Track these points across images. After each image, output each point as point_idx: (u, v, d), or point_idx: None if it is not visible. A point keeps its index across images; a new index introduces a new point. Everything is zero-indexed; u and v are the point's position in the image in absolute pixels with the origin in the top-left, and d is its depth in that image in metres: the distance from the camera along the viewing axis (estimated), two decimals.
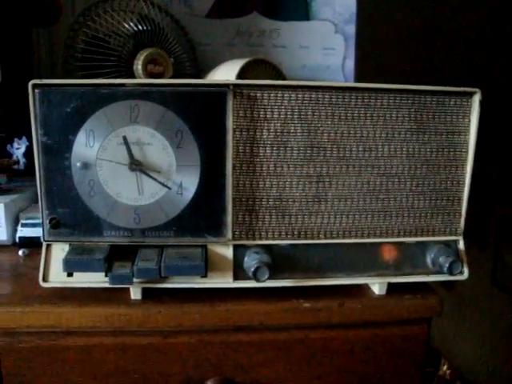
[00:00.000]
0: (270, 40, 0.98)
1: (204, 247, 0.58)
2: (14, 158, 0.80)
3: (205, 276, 0.56)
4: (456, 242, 0.62)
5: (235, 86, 0.55)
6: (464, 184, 0.61)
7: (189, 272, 0.55)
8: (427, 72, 1.38)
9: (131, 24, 0.87)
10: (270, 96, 0.56)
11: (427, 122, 0.59)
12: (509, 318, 1.68)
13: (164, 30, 0.90)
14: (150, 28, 0.88)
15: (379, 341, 0.61)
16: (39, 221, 0.72)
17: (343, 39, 1.00)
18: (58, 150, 0.55)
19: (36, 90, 0.54)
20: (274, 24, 0.98)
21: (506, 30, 1.51)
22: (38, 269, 0.58)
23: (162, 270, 0.54)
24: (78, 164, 0.55)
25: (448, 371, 1.91)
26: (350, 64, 1.00)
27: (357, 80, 1.01)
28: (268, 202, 0.57)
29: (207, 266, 0.57)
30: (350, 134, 0.58)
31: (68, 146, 0.55)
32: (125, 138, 0.55)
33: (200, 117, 0.55)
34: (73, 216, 0.56)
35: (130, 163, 0.55)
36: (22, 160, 0.80)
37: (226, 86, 0.55)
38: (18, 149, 0.81)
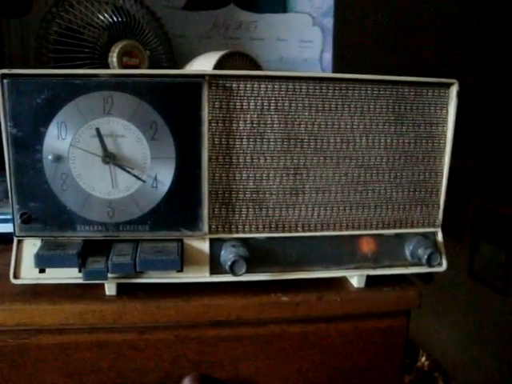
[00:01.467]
0: (247, 32, 0.97)
1: (180, 241, 0.57)
2: None
3: (181, 270, 0.55)
4: (434, 233, 0.62)
5: (211, 76, 0.54)
6: (442, 175, 0.61)
7: (164, 266, 0.54)
8: (405, 65, 1.39)
9: (106, 15, 0.85)
10: (246, 87, 0.55)
11: (405, 113, 0.59)
12: (485, 308, 1.70)
13: (139, 21, 0.88)
14: (125, 19, 0.86)
15: (358, 334, 0.61)
16: (10, 216, 0.71)
17: (321, 32, 0.99)
18: (29, 142, 0.53)
19: (5, 80, 0.52)
20: (251, 16, 0.97)
21: (486, 21, 1.52)
22: (8, 265, 0.56)
23: (137, 264, 0.53)
24: (50, 157, 0.53)
25: (426, 362, 1.92)
26: (328, 57, 1.00)
27: (335, 72, 1.00)
28: (245, 194, 0.57)
29: (183, 260, 0.55)
30: (327, 125, 0.57)
31: (39, 138, 0.53)
32: (98, 130, 0.53)
33: (175, 108, 0.54)
34: (45, 210, 0.55)
35: (103, 156, 0.54)
36: None
37: (202, 76, 0.54)
38: None
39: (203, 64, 0.82)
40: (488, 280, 1.69)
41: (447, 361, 1.85)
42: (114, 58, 0.83)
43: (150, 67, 0.86)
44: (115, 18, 0.86)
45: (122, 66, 0.84)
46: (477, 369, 1.74)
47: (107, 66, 0.84)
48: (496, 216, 1.69)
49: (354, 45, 1.32)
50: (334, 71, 1.00)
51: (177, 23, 0.95)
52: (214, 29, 0.96)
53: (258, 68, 0.85)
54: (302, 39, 0.99)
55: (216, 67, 0.79)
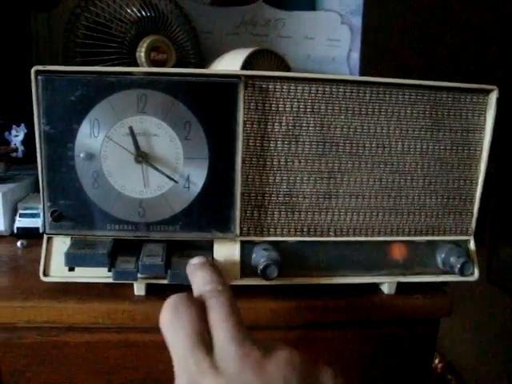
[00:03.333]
0: (275, 30, 0.96)
1: (211, 247, 0.56)
2: (12, 145, 0.78)
3: None
4: (467, 241, 0.61)
5: (247, 77, 0.53)
6: (477, 183, 0.60)
7: None
8: (434, 67, 1.37)
9: (134, 10, 0.85)
10: (282, 88, 0.54)
11: (442, 119, 0.57)
12: (503, 314, 1.68)
13: (167, 16, 0.87)
14: (153, 14, 0.86)
15: (387, 340, 0.60)
16: (38, 211, 0.71)
17: (349, 30, 0.98)
18: (61, 139, 0.53)
19: (39, 77, 0.51)
20: (279, 13, 0.96)
21: None
22: (37, 261, 0.56)
23: (167, 277, 0.53)
24: (82, 155, 0.53)
25: (439, 365, 1.91)
26: (356, 56, 0.99)
27: (362, 72, 0.99)
28: (277, 197, 0.56)
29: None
30: (363, 129, 0.56)
31: (72, 135, 0.53)
32: (131, 129, 0.53)
33: (210, 108, 0.53)
34: (75, 208, 0.54)
35: (135, 155, 0.53)
36: (21, 148, 0.78)
37: (238, 76, 0.53)
38: (17, 136, 0.79)
39: (231, 61, 0.81)
40: (506, 285, 1.67)
41: (461, 364, 1.84)
42: (141, 53, 0.82)
43: (177, 63, 0.86)
44: (143, 13, 0.85)
45: (150, 61, 0.83)
46: (491, 373, 1.72)
47: (135, 61, 0.83)
48: None
49: (382, 44, 1.30)
50: (362, 71, 0.99)
51: (204, 19, 0.94)
52: (242, 25, 0.95)
53: (286, 66, 0.84)
54: (330, 38, 0.97)
55: (244, 65, 0.78)
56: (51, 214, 0.54)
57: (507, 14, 1.52)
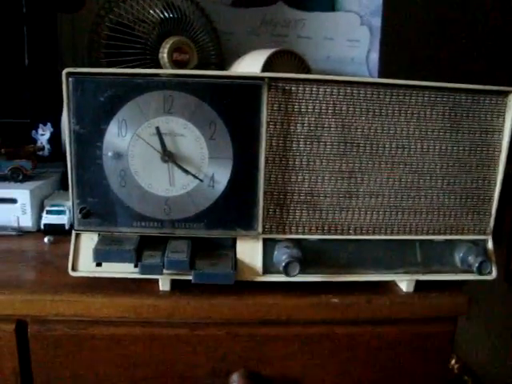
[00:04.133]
0: (295, 30, 0.98)
1: (234, 244, 0.58)
2: (39, 144, 0.80)
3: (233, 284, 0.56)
4: (485, 241, 0.62)
5: (271, 79, 0.54)
6: (495, 184, 0.61)
7: (218, 280, 0.55)
8: (453, 67, 1.37)
9: (157, 11, 0.87)
10: (304, 90, 0.55)
11: (461, 120, 0.58)
12: None
13: (189, 17, 0.89)
14: (175, 16, 0.87)
15: (405, 337, 0.61)
16: (64, 208, 0.73)
17: (368, 31, 0.99)
18: (90, 138, 0.54)
19: (70, 79, 0.53)
20: (299, 14, 0.97)
21: None
22: (64, 257, 0.58)
23: (192, 277, 0.55)
24: (110, 154, 0.55)
25: (456, 365, 1.91)
26: (375, 57, 1.00)
27: (381, 73, 1.00)
28: (299, 196, 0.57)
29: (236, 268, 0.57)
30: (383, 130, 0.57)
31: (100, 135, 0.54)
32: (158, 129, 0.54)
33: (234, 109, 0.54)
34: (103, 206, 0.56)
35: (162, 154, 0.55)
36: (47, 146, 0.80)
37: (262, 78, 0.54)
38: (43, 135, 0.81)
39: (252, 62, 0.82)
40: None
41: (478, 365, 1.83)
42: (164, 53, 0.84)
43: (199, 63, 0.87)
44: (166, 14, 0.87)
45: (172, 61, 0.85)
46: (508, 374, 1.72)
47: (157, 62, 0.85)
48: None
49: (401, 45, 1.30)
50: (381, 71, 1.00)
51: (225, 20, 0.96)
52: (262, 26, 0.97)
53: (306, 67, 0.86)
54: (350, 38, 0.99)
55: (265, 65, 0.80)
56: (80, 211, 0.56)
57: None
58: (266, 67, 0.80)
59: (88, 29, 0.87)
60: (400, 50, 1.27)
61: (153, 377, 0.59)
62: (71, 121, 0.54)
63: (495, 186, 0.61)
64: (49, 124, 0.81)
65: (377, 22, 0.98)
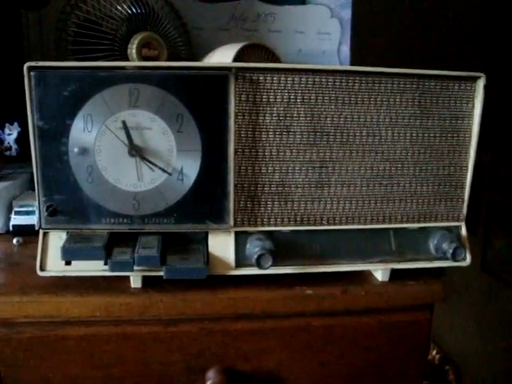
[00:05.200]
0: (265, 24, 0.97)
1: (205, 238, 0.57)
2: (6, 144, 0.78)
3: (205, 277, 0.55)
4: (458, 227, 0.62)
5: (237, 69, 0.54)
6: (467, 170, 0.61)
7: (191, 275, 0.54)
8: (423, 58, 1.38)
9: (124, 6, 0.85)
10: (272, 79, 0.54)
11: (431, 106, 0.58)
12: (498, 302, 1.70)
13: (158, 13, 0.88)
14: (143, 11, 0.86)
15: (382, 327, 0.61)
16: (33, 208, 0.71)
17: (339, 24, 0.98)
18: (55, 134, 0.53)
19: (32, 73, 0.52)
20: (269, 8, 0.96)
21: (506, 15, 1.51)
22: (33, 257, 0.56)
23: (164, 272, 0.54)
24: (76, 149, 0.53)
25: (437, 356, 1.92)
26: (346, 49, 0.99)
27: (352, 66, 1.00)
28: (270, 187, 0.56)
29: (209, 262, 0.56)
30: (353, 118, 0.57)
31: (65, 130, 0.53)
32: (124, 123, 0.53)
33: (201, 101, 0.54)
34: (70, 203, 0.55)
35: (129, 149, 0.54)
36: (14, 146, 0.78)
37: (228, 69, 0.54)
38: (10, 135, 0.79)
39: (222, 56, 0.81)
40: (501, 274, 1.68)
41: (458, 354, 1.85)
42: (133, 49, 0.83)
43: (168, 59, 0.86)
44: (134, 10, 0.86)
45: (141, 57, 0.83)
46: (488, 363, 1.73)
47: (126, 58, 0.83)
48: (510, 210, 1.68)
49: (372, 37, 1.31)
50: (352, 64, 0.99)
51: (195, 15, 0.94)
52: (232, 21, 0.96)
53: (277, 60, 0.85)
54: (320, 31, 0.98)
55: (235, 59, 0.79)
56: (46, 209, 0.54)
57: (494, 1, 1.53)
58: (237, 61, 0.79)
59: (54, 26, 0.85)
60: (371, 42, 1.28)
61: (127, 376, 0.58)
62: (34, 116, 0.53)
63: (467, 172, 0.61)
64: (16, 123, 0.79)
65: (347, 14, 0.98)
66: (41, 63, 0.52)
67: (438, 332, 1.85)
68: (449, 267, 0.61)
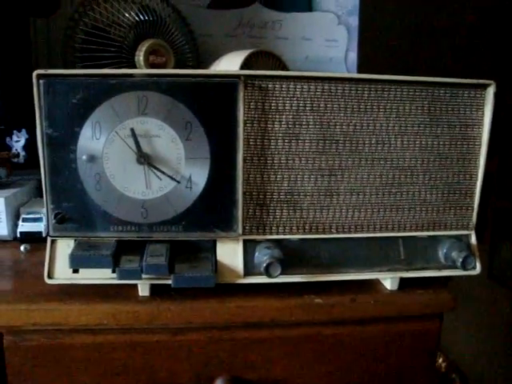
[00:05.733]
0: (273, 31, 0.97)
1: (213, 246, 0.57)
2: (14, 151, 0.78)
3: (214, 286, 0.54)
4: (468, 236, 0.61)
5: (246, 76, 0.54)
6: (477, 178, 0.60)
7: (199, 283, 0.53)
8: (432, 64, 1.37)
9: (132, 14, 0.85)
10: (281, 87, 0.54)
11: (440, 114, 0.58)
12: (505, 311, 1.69)
13: (165, 20, 0.88)
14: (151, 18, 0.86)
15: (391, 336, 0.60)
16: (40, 215, 0.71)
17: (346, 31, 0.98)
18: (64, 142, 0.53)
19: (41, 81, 0.52)
20: (276, 15, 0.97)
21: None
22: (41, 265, 0.56)
23: (172, 281, 0.53)
24: (84, 157, 0.53)
25: (443, 364, 1.91)
26: (353, 56, 0.99)
27: (359, 72, 0.99)
28: (279, 195, 0.56)
29: (217, 271, 0.55)
30: (362, 126, 0.56)
31: (74, 138, 0.53)
32: (132, 131, 0.53)
33: (210, 108, 0.53)
34: (78, 210, 0.55)
35: (137, 156, 0.53)
36: (22, 153, 0.78)
37: (237, 76, 0.53)
38: (18, 142, 0.79)
39: (230, 63, 0.81)
40: (507, 282, 1.67)
41: (465, 363, 1.83)
42: (140, 56, 0.83)
43: (175, 66, 0.86)
44: (141, 17, 0.86)
45: (149, 64, 0.83)
46: (495, 371, 1.72)
47: (134, 65, 0.83)
48: None
49: (379, 44, 1.31)
50: (359, 71, 0.99)
51: (202, 22, 0.95)
52: (240, 27, 0.96)
53: (284, 67, 0.85)
54: (327, 38, 0.98)
55: (243, 66, 0.79)
56: (55, 217, 0.54)
57: (503, 9, 1.53)
58: (244, 68, 0.79)
59: (62, 33, 0.85)
60: (378, 48, 1.28)
61: None
62: (43, 124, 0.53)
63: (476, 180, 0.60)
64: (24, 130, 0.79)
65: (354, 21, 0.98)
66: (50, 71, 0.52)
67: (444, 339, 1.84)
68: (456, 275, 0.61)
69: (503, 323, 1.69)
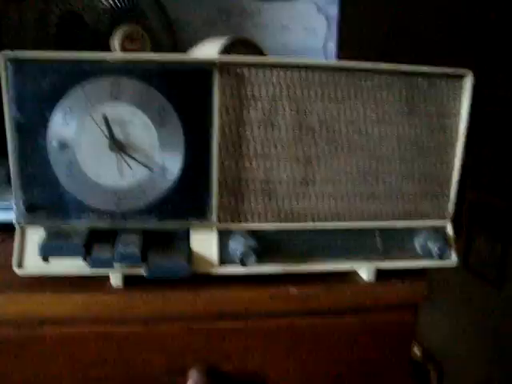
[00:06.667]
0: (251, 19, 0.96)
1: (188, 235, 0.56)
2: None
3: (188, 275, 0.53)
4: (444, 226, 0.61)
5: (222, 63, 0.52)
6: (453, 168, 0.60)
7: (173, 273, 0.52)
8: (411, 55, 1.37)
9: None
10: (257, 74, 0.53)
11: (418, 103, 0.57)
12: (480, 301, 1.71)
13: (141, 5, 0.86)
14: (126, 3, 0.84)
15: (367, 327, 0.60)
16: (11, 204, 0.69)
17: (325, 20, 0.98)
18: (33, 128, 0.51)
19: (8, 63, 0.50)
20: (255, 3, 0.95)
21: (489, 15, 1.51)
22: (10, 255, 0.54)
23: (145, 272, 0.52)
24: (55, 143, 0.52)
25: (419, 353, 1.93)
26: (332, 45, 0.99)
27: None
28: (254, 184, 0.55)
29: (191, 261, 0.54)
30: (339, 114, 0.56)
31: (44, 123, 0.51)
32: (104, 116, 0.52)
33: (185, 95, 0.52)
34: (49, 198, 0.53)
35: (109, 143, 0.52)
36: None
37: (213, 62, 0.52)
38: None
39: (207, 50, 0.80)
40: (483, 273, 1.69)
41: (440, 352, 1.86)
42: (115, 42, 0.81)
43: (152, 52, 0.84)
44: (117, 2, 0.84)
45: (124, 50, 0.82)
46: (470, 361, 1.75)
47: (109, 51, 0.82)
48: (492, 209, 1.69)
49: (358, 34, 1.30)
50: (338, 60, 0.98)
51: (180, 9, 0.93)
52: (218, 15, 0.94)
53: (262, 55, 0.84)
54: (306, 27, 0.97)
55: (220, 54, 0.78)
56: (24, 204, 0.53)
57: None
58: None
59: (35, 17, 0.83)
60: (357, 38, 1.27)
61: (107, 377, 0.57)
62: (12, 109, 0.51)
63: (453, 169, 0.60)
64: None
65: (333, 10, 0.97)
66: (18, 53, 0.50)
67: (420, 329, 1.85)
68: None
69: (478, 314, 1.71)
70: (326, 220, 0.58)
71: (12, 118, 0.51)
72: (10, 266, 0.54)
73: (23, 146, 0.52)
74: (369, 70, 0.55)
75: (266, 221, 0.56)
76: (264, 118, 0.54)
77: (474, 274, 1.72)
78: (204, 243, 0.55)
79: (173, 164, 0.53)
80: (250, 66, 0.53)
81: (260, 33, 0.95)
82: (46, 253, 0.52)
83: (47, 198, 0.53)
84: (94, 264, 0.52)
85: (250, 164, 0.55)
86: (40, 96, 0.51)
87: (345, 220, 0.58)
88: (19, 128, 0.51)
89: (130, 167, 0.53)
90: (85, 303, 0.54)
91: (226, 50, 0.79)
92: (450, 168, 0.60)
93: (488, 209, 1.71)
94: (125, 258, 0.52)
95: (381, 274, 0.60)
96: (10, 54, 0.50)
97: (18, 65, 0.50)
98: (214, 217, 0.55)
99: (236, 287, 0.56)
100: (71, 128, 0.52)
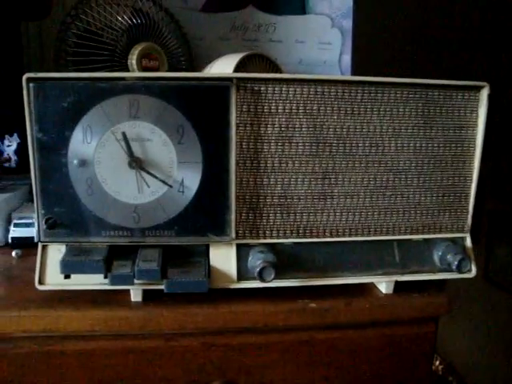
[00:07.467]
0: (266, 34, 0.96)
1: (206, 251, 0.56)
2: (5, 155, 0.78)
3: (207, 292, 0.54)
4: (463, 238, 0.61)
5: (239, 79, 0.53)
6: (471, 180, 0.60)
7: (192, 288, 0.53)
8: (426, 67, 1.37)
9: (125, 17, 0.85)
10: (274, 90, 0.54)
11: (434, 116, 0.58)
12: (500, 312, 1.68)
13: (158, 23, 0.87)
14: (143, 22, 0.86)
15: (386, 341, 0.60)
16: (32, 220, 0.70)
17: (340, 34, 0.98)
18: (54, 146, 0.52)
19: (30, 84, 0.51)
20: (269, 18, 0.96)
21: (504, 24, 1.50)
22: (32, 270, 0.55)
23: (164, 287, 0.53)
24: (75, 161, 0.53)
25: (440, 366, 1.91)
26: (347, 59, 0.99)
27: (353, 75, 0.99)
28: (272, 199, 0.56)
29: (210, 276, 0.55)
30: (356, 129, 0.56)
31: (64, 142, 0.52)
32: (124, 134, 0.52)
33: (202, 111, 0.53)
34: (70, 215, 0.54)
35: (129, 160, 0.53)
36: (14, 158, 0.78)
37: (230, 79, 0.53)
38: (9, 146, 0.78)
39: (223, 66, 0.81)
40: (503, 284, 1.67)
41: (461, 365, 1.83)
42: (133, 60, 0.82)
43: (169, 70, 0.86)
44: (134, 21, 0.85)
45: (142, 68, 0.83)
46: (491, 373, 1.72)
47: (126, 69, 0.83)
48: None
49: (373, 47, 1.30)
50: (353, 74, 0.99)
51: (195, 25, 0.94)
52: (233, 31, 0.95)
53: (278, 70, 0.84)
54: (321, 41, 0.98)
55: (236, 70, 0.78)
56: (45, 222, 0.54)
57: (496, 11, 1.53)
58: (237, 71, 0.78)
59: (55, 37, 0.85)
60: (372, 51, 1.27)
61: None
62: (33, 128, 0.52)
63: (471, 182, 0.60)
64: (15, 134, 0.79)
65: (348, 23, 0.98)
66: (40, 74, 0.51)
67: (441, 342, 1.83)
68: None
69: (499, 324, 1.69)
70: (343, 234, 0.58)
71: (34, 137, 0.52)
72: (32, 281, 0.55)
73: (45, 164, 0.53)
74: (384, 83, 0.56)
75: (285, 235, 0.57)
76: (281, 133, 0.55)
77: (494, 284, 1.70)
78: (223, 258, 0.56)
79: (191, 180, 0.54)
80: (266, 82, 0.54)
81: (275, 48, 0.96)
82: (67, 270, 0.53)
83: (68, 216, 0.54)
84: (114, 281, 0.52)
85: (268, 179, 0.55)
86: (61, 115, 0.52)
87: (363, 234, 0.58)
88: (41, 147, 0.52)
89: (148, 185, 0.53)
90: (105, 318, 0.54)
91: (242, 65, 0.79)
92: (467, 180, 0.60)
93: (508, 218, 1.69)
94: (144, 275, 0.52)
95: (400, 287, 0.59)
96: (31, 75, 0.51)
97: (40, 85, 0.51)
98: (233, 232, 0.55)
99: (255, 302, 0.56)
100: (91, 146, 0.53)
